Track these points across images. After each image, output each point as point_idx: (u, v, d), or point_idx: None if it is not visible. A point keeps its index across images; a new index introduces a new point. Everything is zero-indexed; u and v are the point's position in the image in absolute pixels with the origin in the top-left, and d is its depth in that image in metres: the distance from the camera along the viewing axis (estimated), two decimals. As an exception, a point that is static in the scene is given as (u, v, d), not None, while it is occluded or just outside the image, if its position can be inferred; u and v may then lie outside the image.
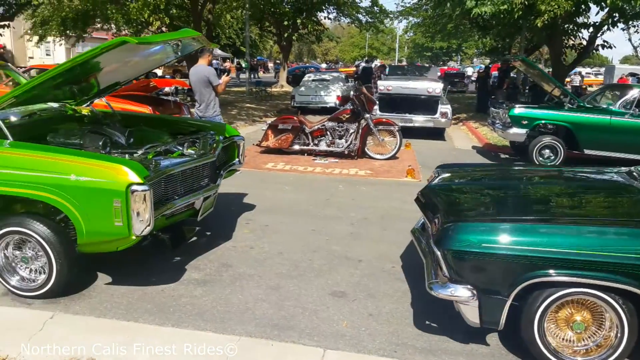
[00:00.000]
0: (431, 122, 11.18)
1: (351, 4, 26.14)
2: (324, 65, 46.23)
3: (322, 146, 8.53)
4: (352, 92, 8.41)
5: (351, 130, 8.44)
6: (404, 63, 64.51)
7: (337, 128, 8.49)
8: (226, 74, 7.35)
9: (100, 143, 3.79)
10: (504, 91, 16.30)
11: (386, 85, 11.42)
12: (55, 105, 4.44)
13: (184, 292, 3.52)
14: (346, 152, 8.43)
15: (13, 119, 3.82)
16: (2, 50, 16.43)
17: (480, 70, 22.94)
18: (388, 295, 3.59)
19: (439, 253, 2.78)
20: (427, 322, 3.25)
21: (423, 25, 24.97)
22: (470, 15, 13.12)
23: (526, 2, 11.08)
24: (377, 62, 53.07)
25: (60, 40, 29.86)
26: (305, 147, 8.59)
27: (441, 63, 65.00)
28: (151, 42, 3.38)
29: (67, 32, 24.72)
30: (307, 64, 41.52)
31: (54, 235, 3.19)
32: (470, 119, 15.17)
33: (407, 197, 6.17)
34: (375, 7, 27.32)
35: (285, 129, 8.59)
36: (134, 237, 3.11)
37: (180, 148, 3.96)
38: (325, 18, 29.37)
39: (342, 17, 29.49)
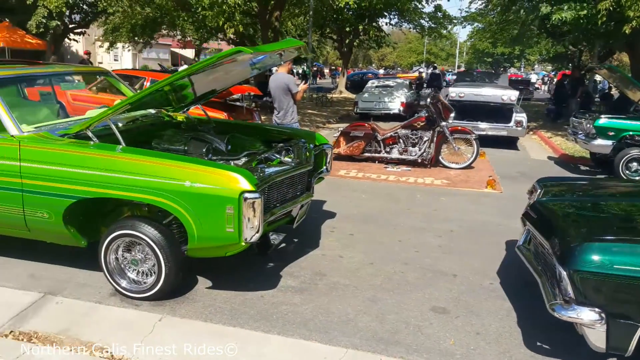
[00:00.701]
0: (504, 130, 10.82)
1: (414, 9, 25.86)
2: (381, 71, 45.99)
3: (395, 154, 8.42)
4: (428, 100, 8.24)
5: (425, 138, 8.29)
6: (462, 69, 63.16)
7: (410, 136, 8.36)
8: (304, 82, 7.39)
9: (204, 150, 3.87)
10: (577, 100, 15.57)
11: (458, 92, 11.16)
12: (152, 111, 4.60)
13: (283, 299, 3.52)
14: (419, 161, 8.28)
15: (120, 124, 3.97)
16: (87, 56, 17.29)
17: (545, 77, 22.14)
18: (492, 313, 3.45)
19: (564, 273, 2.63)
20: (538, 344, 3.09)
21: (489, 31, 24.29)
22: (549, 21, 12.59)
23: (611, 8, 10.51)
24: (421, 69, 52.24)
25: (128, 47, 31.26)
26: (376, 155, 8.51)
27: (502, 69, 63.20)
28: (263, 51, 3.41)
29: (136, 38, 25.83)
30: (365, 70, 41.44)
31: (163, 238, 3.27)
32: (541, 128, 14.58)
33: (492, 210, 6.00)
34: (439, 13, 26.89)
35: (357, 136, 8.55)
36: (243, 243, 3.14)
37: (278, 156, 3.97)
38: (386, 24, 29.18)
39: (403, 23, 29.25)
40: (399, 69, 58.41)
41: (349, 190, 6.77)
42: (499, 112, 11.01)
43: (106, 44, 28.34)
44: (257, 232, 3.15)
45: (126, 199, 3.27)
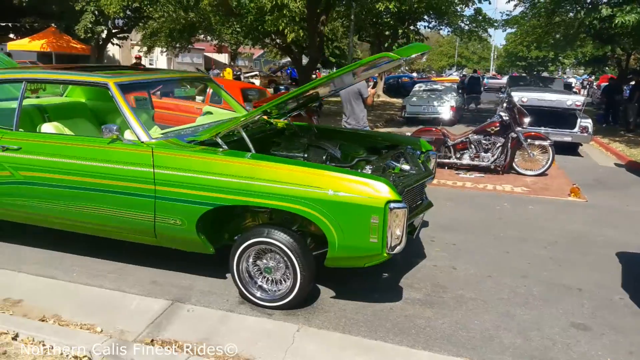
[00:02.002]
0: (569, 136, 10.52)
1: (453, 12, 25.55)
2: (414, 75, 45.60)
3: (466, 160, 8.24)
4: (504, 105, 8.06)
5: (498, 144, 8.09)
6: (494, 73, 62.22)
7: (483, 141, 8.18)
8: (371, 86, 7.32)
9: (324, 157, 3.80)
10: (635, 105, 15.08)
11: (520, 96, 10.91)
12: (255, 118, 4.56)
13: (414, 312, 3.42)
14: (492, 167, 8.09)
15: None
16: (139, 60, 17.59)
17: (584, 81, 21.51)
18: (636, 330, 3.28)
19: None
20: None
21: (533, 34, 23.79)
22: (613, 24, 12.22)
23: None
24: (464, 72, 51.52)
25: (165, 51, 31.76)
26: (446, 161, 8.35)
27: (535, 73, 62.04)
28: (404, 55, 3.33)
29: (174, 43, 26.20)
30: (400, 74, 41.19)
31: (298, 246, 3.21)
32: (595, 134, 14.17)
33: (584, 219, 5.79)
34: (479, 16, 26.51)
35: (427, 141, 8.38)
36: (385, 254, 3.05)
37: (396, 164, 3.88)
38: (425, 27, 28.94)
39: (442, 26, 28.97)
40: (433, 72, 57.77)
41: (429, 197, 6.61)
42: (562, 118, 10.71)
43: (144, 49, 28.83)
44: (400, 242, 3.06)
45: (265, 206, 3.21)
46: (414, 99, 16.06)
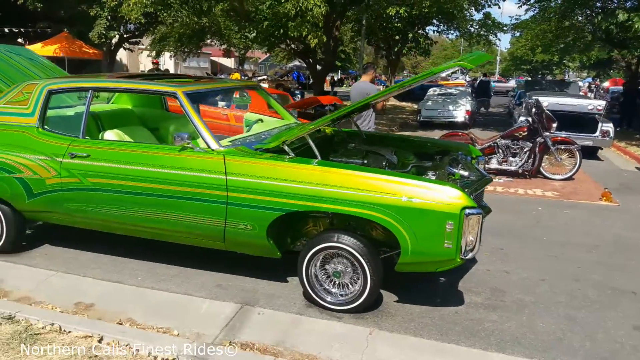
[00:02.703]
0: (590, 141, 10.58)
1: (463, 16, 25.67)
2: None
3: (493, 164, 8.32)
4: (533, 110, 8.13)
5: (526, 149, 8.17)
6: (498, 77, 62.27)
7: (511, 146, 8.26)
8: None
9: (384, 163, 3.89)
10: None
11: (541, 101, 10.96)
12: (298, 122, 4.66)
13: (479, 315, 3.50)
14: (520, 171, 8.16)
15: None
16: (157, 65, 17.73)
17: (592, 84, 21.51)
18: (699, 334, 3.35)
19: None
20: None
21: (543, 38, 23.87)
22: (632, 29, 12.31)
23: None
24: (459, 76, 51.51)
25: (174, 56, 31.96)
26: (474, 165, 8.41)
27: (540, 76, 62.07)
28: (477, 64, 3.41)
29: (182, 47, 26.33)
30: (408, 78, 41.23)
31: (367, 250, 3.29)
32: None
33: (620, 223, 5.87)
34: (488, 20, 26.62)
35: (453, 146, 8.47)
36: (459, 260, 3.13)
37: (455, 170, 3.96)
38: (434, 32, 29.07)
39: (450, 30, 29.08)
40: (439, 77, 57.77)
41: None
42: (582, 122, 10.78)
43: (153, 53, 29.00)
44: (474, 248, 3.15)
45: (337, 212, 3.29)
46: (429, 103, 16.14)
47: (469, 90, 17.99)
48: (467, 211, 3.03)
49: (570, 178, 8.16)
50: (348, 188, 3.19)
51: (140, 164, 3.64)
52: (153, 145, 3.93)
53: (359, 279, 3.38)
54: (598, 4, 19.50)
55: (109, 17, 23.23)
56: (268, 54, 48.07)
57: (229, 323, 3.33)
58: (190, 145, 3.56)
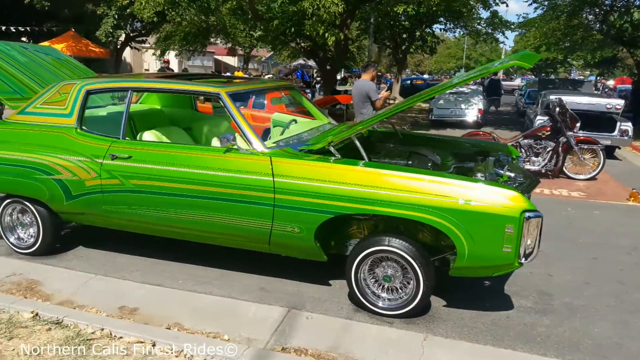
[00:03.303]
0: (608, 140, 10.47)
1: (470, 15, 25.59)
2: (426, 77, 45.67)
3: (515, 164, 8.23)
4: (557, 109, 8.06)
5: (549, 148, 8.10)
6: (501, 75, 62.07)
7: (533, 145, 8.18)
8: (386, 89, 7.36)
9: (430, 164, 3.83)
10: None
11: (553, 99, 10.89)
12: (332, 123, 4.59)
13: (531, 320, 3.43)
14: (543, 171, 8.09)
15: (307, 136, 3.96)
16: (166, 64, 17.67)
17: (597, 82, 21.40)
18: None
19: None
20: None
21: (552, 37, 23.78)
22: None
23: None
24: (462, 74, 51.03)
25: (179, 55, 31.94)
26: (495, 165, 8.34)
27: (543, 75, 61.95)
28: (532, 64, 3.35)
29: (187, 46, 26.27)
30: (413, 76, 41.20)
31: (420, 255, 3.23)
32: (627, 136, 14.14)
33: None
34: (495, 19, 26.53)
35: (474, 145, 8.40)
36: (517, 264, 3.07)
37: (502, 171, 3.89)
38: (441, 30, 28.98)
39: (457, 29, 29.01)
40: (447, 76, 57.65)
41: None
42: (598, 121, 10.69)
43: (150, 50, 28.93)
44: (533, 252, 3.08)
45: (391, 215, 3.23)
46: (441, 101, 16.04)
47: (480, 89, 17.86)
48: (527, 214, 2.97)
49: (593, 178, 8.09)
50: (403, 190, 3.12)
51: (184, 166, 3.58)
52: (197, 147, 3.87)
53: (409, 283, 3.32)
54: (607, 2, 19.46)
55: (116, 16, 23.19)
56: (271, 53, 48.03)
57: (278, 328, 3.27)
58: (235, 147, 3.50)
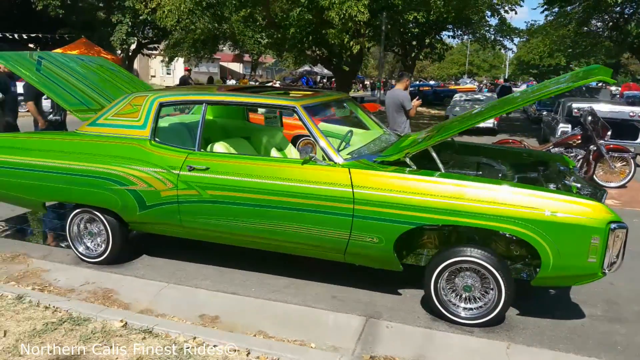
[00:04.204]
0: (631, 147, 10.56)
1: (479, 21, 25.75)
2: (432, 83, 45.84)
3: (546, 172, 8.32)
4: (589, 118, 8.14)
5: (580, 156, 8.18)
6: (500, 81, 62.28)
7: (564, 154, 8.25)
8: (417, 98, 7.53)
9: (500, 175, 3.90)
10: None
11: (577, 107, 11.01)
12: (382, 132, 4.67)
13: (606, 328, 3.50)
14: (574, 180, 8.15)
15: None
16: (188, 72, 17.78)
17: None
18: None
19: None
20: None
21: (562, 44, 23.95)
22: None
23: None
24: (467, 80, 51.45)
25: (188, 61, 32.15)
26: (525, 173, 8.42)
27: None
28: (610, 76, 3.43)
29: (196, 53, 26.41)
30: (419, 82, 41.35)
31: (501, 264, 3.30)
32: None
33: None
34: (504, 25, 26.69)
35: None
36: (600, 274, 3.14)
37: (570, 182, 3.95)
38: (449, 37, 29.17)
39: (465, 35, 29.18)
40: (452, 81, 57.83)
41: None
42: (619, 128, 10.76)
43: (158, 57, 29.06)
44: (616, 262, 3.15)
45: (473, 226, 3.30)
46: (457, 108, 16.18)
47: (495, 96, 17.98)
48: (613, 225, 3.04)
49: (623, 186, 8.16)
50: (487, 202, 3.20)
51: (262, 177, 3.65)
52: (275, 158, 3.95)
53: (488, 293, 3.39)
54: (617, 9, 19.65)
55: (130, 23, 23.37)
56: (275, 60, 48.22)
57: (360, 336, 3.33)
58: (314, 159, 3.57)
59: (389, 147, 3.96)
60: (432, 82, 46.22)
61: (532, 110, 20.33)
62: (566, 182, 3.88)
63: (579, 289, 4.11)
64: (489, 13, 23.88)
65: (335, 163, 3.57)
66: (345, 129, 4.88)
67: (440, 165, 3.58)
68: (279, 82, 41.14)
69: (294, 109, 3.75)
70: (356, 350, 3.18)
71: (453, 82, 55.44)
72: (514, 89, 47.16)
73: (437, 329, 3.44)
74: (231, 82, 38.74)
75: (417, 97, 8.84)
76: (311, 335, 3.32)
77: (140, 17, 23.70)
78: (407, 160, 3.59)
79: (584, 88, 19.82)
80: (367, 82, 53.73)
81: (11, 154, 4.27)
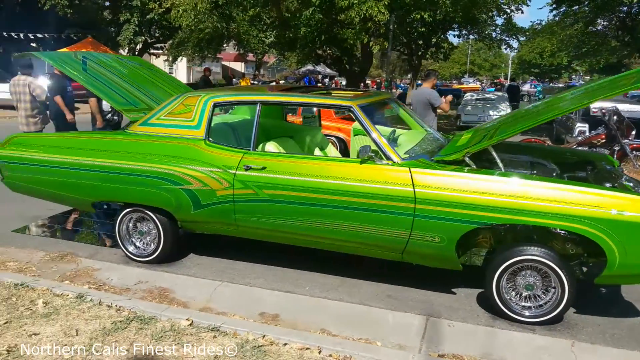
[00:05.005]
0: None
1: (485, 21, 25.80)
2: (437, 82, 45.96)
3: (570, 172, 8.35)
4: (614, 117, 8.17)
5: (604, 156, 8.21)
6: (501, 79, 62.39)
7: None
8: (444, 95, 7.66)
9: (554, 175, 3.92)
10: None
11: (599, 107, 11.03)
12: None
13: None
14: (598, 179, 8.19)
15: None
16: (208, 73, 17.78)
17: None
18: None
19: None
20: None
21: (570, 43, 24.04)
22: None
23: None
24: (469, 80, 51.46)
25: (192, 60, 32.12)
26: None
27: (547, 80, 62.32)
28: None
29: (200, 52, 26.40)
30: (420, 82, 41.33)
31: (564, 263, 3.33)
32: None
33: None
34: (509, 25, 26.74)
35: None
36: (670, 272, 3.17)
37: (621, 181, 3.97)
38: (454, 36, 29.25)
39: (471, 35, 29.21)
40: (454, 81, 57.89)
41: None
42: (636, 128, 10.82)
43: (169, 58, 29.13)
44: (679, 261, 3.18)
45: (536, 225, 3.33)
46: (469, 107, 16.22)
47: (506, 95, 18.03)
48: (680, 224, 3.06)
49: (647, 185, 8.19)
50: (552, 201, 3.22)
51: (319, 176, 3.67)
52: (332, 158, 3.99)
53: (548, 291, 3.42)
54: (624, 9, 19.74)
55: (137, 22, 23.34)
56: (275, 59, 48.20)
57: (424, 335, 3.35)
58: (373, 158, 3.59)
59: (445, 147, 3.98)
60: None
61: (539, 109, 20.41)
62: (620, 181, 3.90)
63: (631, 288, 4.14)
64: (496, 12, 23.98)
65: (394, 162, 3.59)
66: (387, 129, 4.90)
67: (501, 165, 3.61)
68: (282, 81, 41.11)
69: (351, 109, 3.77)
70: (422, 349, 3.20)
71: (455, 82, 55.43)
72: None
73: (498, 327, 3.47)
74: (234, 81, 38.71)
75: (445, 95, 8.95)
76: (374, 334, 3.33)
77: (148, 17, 23.71)
78: (467, 159, 3.61)
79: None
80: (367, 82, 53.68)
81: (62, 154, 4.28)
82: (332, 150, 5.13)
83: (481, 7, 19.69)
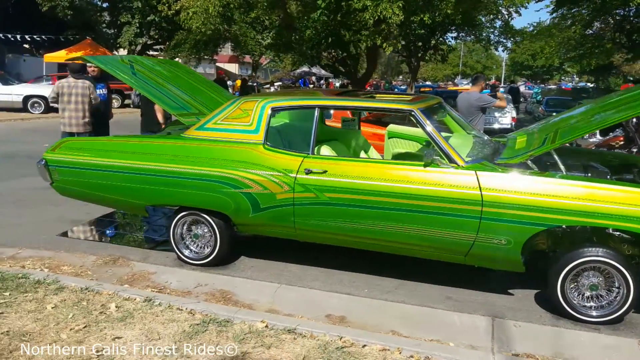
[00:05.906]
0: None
1: (483, 23, 26.06)
2: (427, 83, 46.20)
3: (588, 173, 8.47)
4: (634, 119, 8.30)
5: (622, 158, 8.35)
6: (493, 81, 62.97)
7: (610, 156, 8.42)
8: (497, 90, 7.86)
9: (608, 177, 4.01)
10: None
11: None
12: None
13: None
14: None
15: None
16: (224, 75, 17.76)
17: None
18: None
19: None
20: None
21: (567, 45, 24.35)
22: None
23: None
24: (463, 81, 51.91)
25: (189, 62, 32.02)
26: (567, 174, 8.57)
27: (539, 82, 62.93)
28: None
29: (197, 54, 26.33)
30: (418, 84, 41.60)
31: (629, 264, 3.41)
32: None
33: None
34: (507, 27, 27.02)
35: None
36: None
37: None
38: (452, 39, 29.45)
39: (467, 37, 29.48)
40: (449, 82, 58.17)
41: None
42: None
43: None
44: None
45: (608, 227, 3.41)
46: (473, 110, 16.33)
47: (511, 97, 18.18)
48: None
49: (664, 186, 8.34)
50: (622, 203, 3.30)
51: (382, 179, 3.72)
52: (394, 161, 4.03)
53: (612, 291, 3.50)
54: (620, 12, 20.11)
55: (137, 24, 23.25)
56: (268, 60, 48.11)
57: (494, 335, 3.41)
58: (437, 162, 3.65)
59: (505, 150, 4.05)
60: (428, 83, 46.53)
61: (540, 110, 20.61)
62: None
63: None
64: (495, 15, 24.22)
65: (459, 165, 3.65)
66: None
67: (562, 167, 3.68)
68: (277, 82, 41.11)
69: (411, 112, 3.83)
70: (494, 348, 3.26)
71: (450, 83, 55.79)
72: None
73: (564, 327, 3.54)
74: (229, 83, 38.62)
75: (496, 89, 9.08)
76: (444, 335, 3.38)
77: (149, 18, 23.63)
78: (529, 162, 3.68)
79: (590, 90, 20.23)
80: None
81: (117, 158, 4.28)
82: (374, 153, 5.18)
83: (483, 10, 19.86)
